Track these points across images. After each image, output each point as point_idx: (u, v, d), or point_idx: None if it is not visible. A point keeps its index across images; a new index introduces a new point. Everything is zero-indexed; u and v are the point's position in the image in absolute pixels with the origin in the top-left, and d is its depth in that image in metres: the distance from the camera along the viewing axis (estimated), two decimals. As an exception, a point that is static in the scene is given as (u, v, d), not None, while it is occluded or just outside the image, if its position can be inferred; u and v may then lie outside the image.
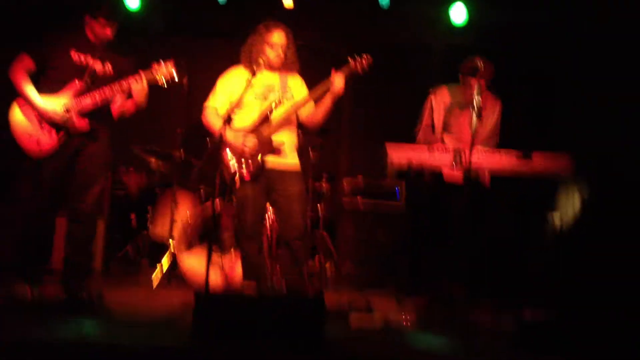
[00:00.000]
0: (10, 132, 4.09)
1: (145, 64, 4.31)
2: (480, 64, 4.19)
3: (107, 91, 4.11)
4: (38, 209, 4.19)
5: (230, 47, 4.77)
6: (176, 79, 4.22)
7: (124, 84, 4.13)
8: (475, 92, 4.01)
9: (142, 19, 6.33)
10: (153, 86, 4.24)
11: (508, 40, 5.83)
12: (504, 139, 4.75)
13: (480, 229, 4.59)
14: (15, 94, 4.14)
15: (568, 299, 4.46)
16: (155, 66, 4.19)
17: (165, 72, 4.19)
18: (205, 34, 6.70)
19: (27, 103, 4.08)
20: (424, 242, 4.83)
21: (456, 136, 4.71)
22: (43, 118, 4.07)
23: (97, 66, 4.19)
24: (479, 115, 3.98)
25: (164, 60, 4.22)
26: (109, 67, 4.24)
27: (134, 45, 6.35)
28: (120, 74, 4.24)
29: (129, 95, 4.24)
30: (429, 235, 4.75)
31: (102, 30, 4.17)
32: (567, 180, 5.18)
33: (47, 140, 4.07)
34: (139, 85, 4.14)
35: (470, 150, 3.97)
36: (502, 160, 4.22)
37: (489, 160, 4.23)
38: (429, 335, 3.70)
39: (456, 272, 4.27)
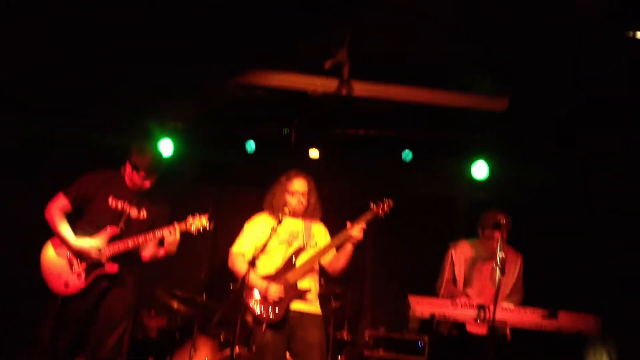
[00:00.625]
0: (39, 270, 4.19)
1: (176, 210, 4.49)
2: (503, 219, 4.27)
3: (140, 239, 4.24)
4: (58, 350, 4.18)
5: (257, 195, 4.94)
6: (208, 229, 4.36)
7: (158, 233, 4.25)
8: (498, 247, 4.05)
9: (173, 166, 6.59)
10: (183, 231, 4.37)
11: (529, 196, 5.93)
12: (528, 296, 4.71)
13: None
14: (49, 234, 4.27)
15: None
16: (190, 219, 4.34)
17: (199, 224, 4.33)
18: (233, 182, 6.92)
19: (62, 243, 4.19)
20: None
21: (478, 290, 4.69)
22: (77, 259, 4.17)
23: (133, 212, 4.35)
24: (503, 272, 3.99)
25: (200, 214, 4.37)
26: (143, 213, 4.40)
27: (166, 191, 6.64)
28: (154, 220, 4.40)
29: (160, 242, 4.34)
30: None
31: (141, 182, 4.37)
32: (595, 339, 5.08)
33: (75, 282, 4.17)
34: (172, 237, 4.27)
35: (495, 306, 3.95)
36: (527, 318, 4.18)
37: (514, 317, 4.19)
38: None
39: None
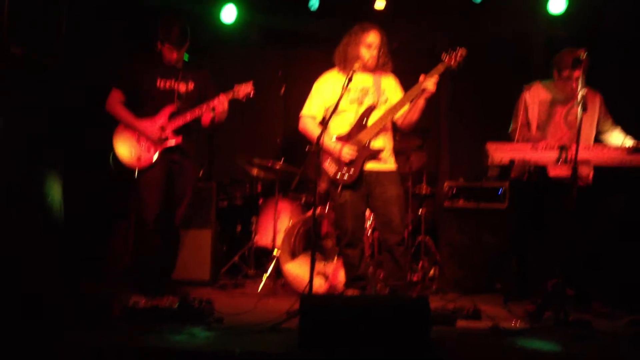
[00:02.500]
0: (115, 155, 4.62)
1: (245, 76, 4.64)
2: (583, 55, 4.00)
3: (196, 111, 4.56)
4: (145, 220, 4.61)
5: (325, 55, 4.82)
6: (252, 95, 4.59)
7: (211, 104, 4.54)
8: (580, 84, 3.85)
9: (237, 33, 6.51)
10: (255, 99, 4.63)
11: (608, 30, 5.54)
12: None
13: (592, 227, 4.39)
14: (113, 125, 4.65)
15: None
16: (236, 87, 4.57)
17: (244, 91, 4.56)
18: (299, 43, 6.80)
19: (128, 127, 4.58)
20: (531, 243, 4.66)
21: (552, 135, 4.50)
22: (143, 139, 4.57)
23: (182, 87, 4.64)
24: (585, 108, 3.80)
25: (244, 82, 4.59)
26: (191, 84, 4.67)
27: (233, 58, 6.62)
28: (201, 89, 4.69)
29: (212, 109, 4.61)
30: (537, 236, 4.58)
31: (170, 54, 4.57)
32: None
33: (146, 155, 4.58)
34: (220, 107, 4.54)
35: (577, 145, 3.80)
36: (611, 155, 4.02)
37: (597, 155, 4.04)
38: (540, 340, 3.55)
39: (567, 274, 4.09)
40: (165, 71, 4.63)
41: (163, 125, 4.55)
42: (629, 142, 4.32)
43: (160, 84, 4.60)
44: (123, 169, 4.60)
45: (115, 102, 4.61)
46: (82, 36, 5.36)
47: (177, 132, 4.59)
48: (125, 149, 4.59)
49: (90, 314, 3.74)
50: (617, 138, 4.44)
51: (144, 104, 4.61)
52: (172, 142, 4.57)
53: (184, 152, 4.67)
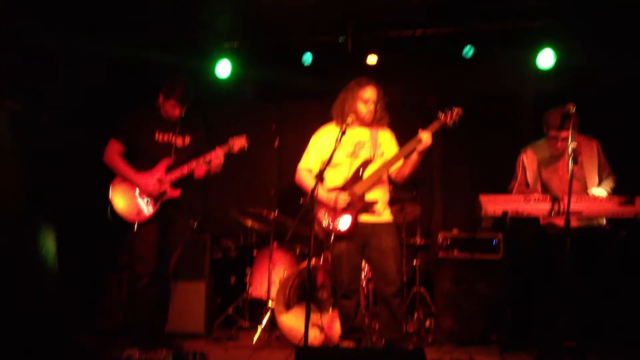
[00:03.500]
0: (113, 208, 4.57)
1: (240, 130, 4.75)
2: (572, 109, 4.09)
3: (193, 164, 4.62)
4: (144, 272, 4.55)
5: (319, 109, 4.92)
6: (245, 150, 4.70)
7: (207, 157, 4.61)
8: (570, 137, 3.92)
9: (232, 87, 6.62)
10: (249, 151, 4.72)
11: (598, 83, 5.68)
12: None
13: (587, 278, 4.41)
14: (109, 177, 4.65)
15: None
16: (230, 141, 4.66)
17: (239, 145, 4.66)
18: (294, 98, 6.91)
19: (126, 180, 4.59)
20: (527, 293, 4.67)
21: (559, 189, 4.55)
22: (142, 192, 4.57)
23: (178, 141, 4.72)
24: (576, 161, 3.87)
25: (238, 136, 4.69)
26: (187, 139, 4.76)
27: (228, 112, 6.71)
28: (196, 144, 4.77)
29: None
30: (532, 286, 4.59)
31: (172, 111, 4.65)
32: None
33: (146, 209, 4.58)
34: (217, 160, 4.63)
35: (569, 197, 3.86)
36: (603, 207, 4.08)
37: (590, 206, 4.09)
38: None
39: (564, 324, 4.10)
40: (164, 125, 4.70)
41: (161, 179, 4.59)
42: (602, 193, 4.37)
43: (159, 137, 4.67)
44: (121, 222, 4.56)
45: (114, 153, 4.64)
46: (80, 91, 5.48)
47: (174, 185, 4.63)
48: (123, 202, 4.58)
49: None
50: (597, 191, 4.45)
51: (141, 157, 4.65)
52: (171, 195, 4.60)
53: (177, 205, 4.70)
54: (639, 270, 4.94)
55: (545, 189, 4.60)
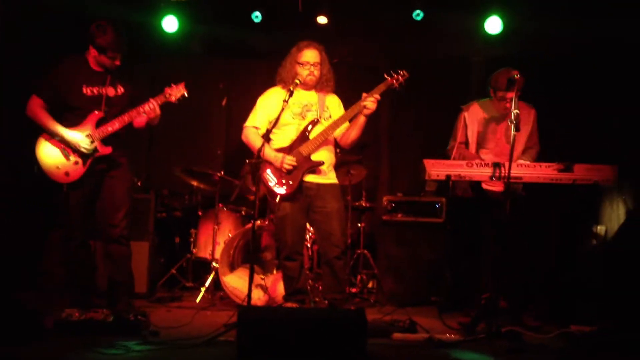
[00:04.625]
0: (40, 167, 4.31)
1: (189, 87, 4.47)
2: (517, 76, 4.14)
3: (125, 118, 4.34)
4: (74, 234, 4.40)
5: (268, 68, 4.86)
6: (186, 96, 4.40)
7: (140, 109, 4.33)
8: (512, 103, 3.98)
9: (180, 42, 6.45)
10: (196, 109, 4.37)
11: (543, 49, 5.75)
12: (543, 152, 4.68)
13: (523, 242, 4.53)
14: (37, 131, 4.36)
15: (616, 312, 4.36)
16: (167, 90, 4.37)
17: (178, 94, 4.38)
18: (243, 56, 6.79)
19: (53, 137, 4.30)
20: (466, 257, 4.78)
21: (494, 151, 4.66)
22: (70, 149, 4.29)
23: (110, 91, 4.40)
24: (518, 128, 3.94)
25: (176, 84, 4.40)
26: (120, 88, 4.44)
27: (177, 67, 6.53)
28: (130, 92, 4.46)
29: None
30: (472, 250, 4.70)
31: (110, 62, 4.34)
32: (611, 190, 5.08)
33: (74, 169, 4.31)
34: (152, 112, 4.34)
35: (510, 163, 3.94)
36: (543, 173, 4.17)
37: (530, 172, 4.19)
38: (474, 352, 3.64)
39: (500, 287, 4.21)
40: (92, 77, 4.38)
41: (90, 134, 4.30)
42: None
43: (86, 90, 4.35)
44: (50, 182, 4.30)
45: (37, 106, 4.33)
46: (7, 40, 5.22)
47: (105, 141, 4.33)
48: (50, 161, 4.29)
49: (20, 325, 3.59)
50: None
51: (70, 112, 4.36)
52: (101, 153, 4.31)
53: (114, 162, 4.43)
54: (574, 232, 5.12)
55: (480, 147, 4.68)
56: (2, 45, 5.21)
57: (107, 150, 4.32)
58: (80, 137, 4.28)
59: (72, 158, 4.30)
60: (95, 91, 4.37)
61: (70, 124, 4.32)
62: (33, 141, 4.34)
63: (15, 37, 5.29)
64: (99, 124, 4.32)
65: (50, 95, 4.36)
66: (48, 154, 4.30)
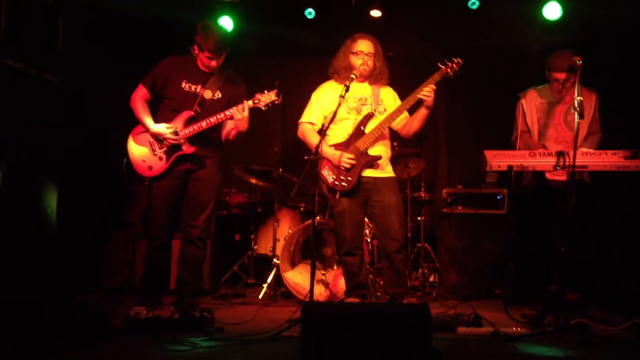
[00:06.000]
0: (129, 159, 4.41)
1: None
2: (579, 62, 4.02)
3: (212, 119, 4.34)
4: (158, 233, 4.44)
5: (321, 63, 4.86)
6: (277, 103, 4.40)
7: (228, 112, 4.34)
8: (576, 90, 3.87)
9: (235, 42, 6.49)
10: (252, 109, 4.40)
11: (604, 34, 5.58)
12: (606, 139, 4.53)
13: (590, 232, 4.41)
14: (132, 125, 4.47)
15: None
16: (258, 95, 4.38)
17: (267, 99, 4.38)
18: (297, 53, 6.81)
19: (143, 129, 4.38)
20: (531, 248, 4.68)
21: (553, 137, 4.54)
22: (157, 144, 4.36)
23: (207, 94, 4.41)
24: (582, 115, 3.82)
25: (268, 90, 4.40)
26: (218, 93, 4.45)
27: (231, 68, 6.60)
28: (230, 100, 4.46)
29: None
30: (537, 242, 4.59)
31: (208, 62, 4.37)
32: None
33: (158, 164, 4.37)
34: (240, 115, 4.33)
35: (575, 151, 3.83)
36: (608, 161, 4.04)
37: (595, 161, 4.06)
38: (541, 345, 3.56)
39: (567, 279, 4.11)
40: (195, 75, 4.42)
41: (177, 131, 4.34)
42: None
43: (186, 86, 4.39)
44: (135, 176, 4.39)
45: (138, 97, 4.42)
46: (78, 53, 5.37)
47: (192, 141, 4.36)
48: (138, 153, 4.38)
49: (89, 326, 3.68)
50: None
51: (167, 106, 4.43)
52: (185, 151, 4.35)
53: (201, 163, 4.43)
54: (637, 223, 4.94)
55: (541, 135, 4.57)
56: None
57: (191, 149, 4.36)
58: (167, 129, 4.32)
59: (157, 152, 4.37)
60: (193, 88, 4.41)
61: (163, 118, 4.40)
62: (126, 134, 4.46)
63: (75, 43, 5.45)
64: (188, 122, 4.37)
65: (151, 82, 4.43)
66: (137, 146, 4.40)
